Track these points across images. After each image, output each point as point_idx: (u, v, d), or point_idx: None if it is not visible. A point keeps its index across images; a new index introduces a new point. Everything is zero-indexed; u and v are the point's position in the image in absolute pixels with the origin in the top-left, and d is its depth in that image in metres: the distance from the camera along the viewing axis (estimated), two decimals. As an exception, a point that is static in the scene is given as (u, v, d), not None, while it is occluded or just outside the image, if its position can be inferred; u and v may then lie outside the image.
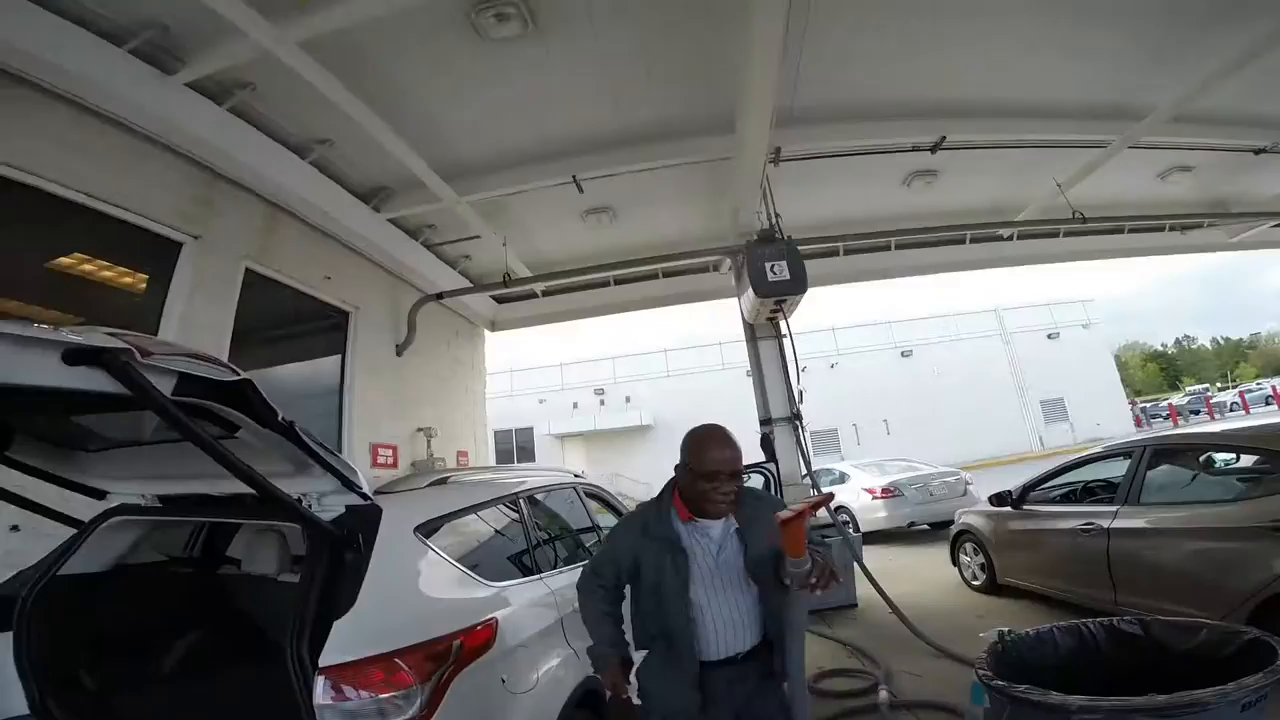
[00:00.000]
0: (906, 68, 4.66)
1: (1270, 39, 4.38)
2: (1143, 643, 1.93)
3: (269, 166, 4.66)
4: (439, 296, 6.98)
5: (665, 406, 25.59)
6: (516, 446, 25.52)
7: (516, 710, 1.95)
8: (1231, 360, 51.78)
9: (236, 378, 1.46)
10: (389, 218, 5.85)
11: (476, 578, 2.14)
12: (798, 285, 5.04)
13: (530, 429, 25.73)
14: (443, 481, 2.78)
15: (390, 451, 6.50)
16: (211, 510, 2.29)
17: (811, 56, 4.28)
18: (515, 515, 2.69)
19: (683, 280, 8.18)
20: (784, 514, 1.57)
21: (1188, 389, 38.42)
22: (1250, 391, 26.50)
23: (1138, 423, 25.77)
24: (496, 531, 2.58)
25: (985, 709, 1.75)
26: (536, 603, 2.34)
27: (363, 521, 1.93)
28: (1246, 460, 3.60)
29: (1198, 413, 25.38)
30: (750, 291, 5.14)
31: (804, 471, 5.69)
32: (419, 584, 1.94)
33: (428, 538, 2.07)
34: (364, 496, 1.95)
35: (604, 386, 27.07)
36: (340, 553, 1.83)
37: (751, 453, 4.02)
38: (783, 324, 5.76)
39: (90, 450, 2.22)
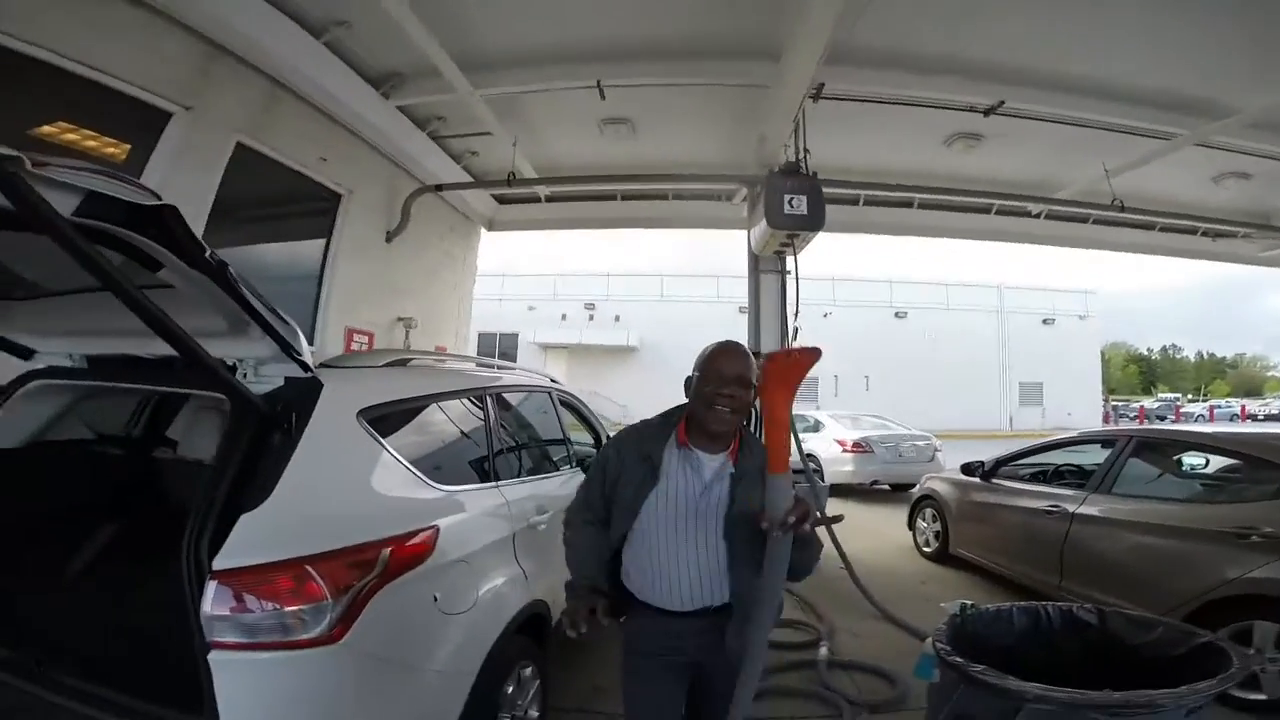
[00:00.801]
0: (977, 26, 4.25)
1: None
2: (1096, 633, 1.91)
3: (278, 43, 4.33)
4: (438, 188, 6.73)
5: (654, 331, 25.59)
6: (499, 351, 25.50)
7: (447, 632, 1.75)
8: (1210, 375, 52.87)
9: (157, 202, 1.21)
10: (398, 105, 5.49)
11: (423, 478, 1.89)
12: (814, 222, 4.83)
13: (515, 335, 25.66)
14: (402, 363, 2.40)
15: (366, 338, 6.42)
16: (138, 375, 2.00)
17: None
18: (479, 413, 2.42)
19: (692, 205, 7.86)
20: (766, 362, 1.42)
21: (1160, 395, 39.43)
22: (1219, 407, 27.30)
23: (1106, 418, 26.47)
24: (455, 428, 2.32)
25: (933, 683, 1.73)
26: (488, 513, 2.12)
27: (297, 397, 1.66)
28: (1218, 466, 3.64)
29: (1164, 419, 26.04)
30: (764, 222, 4.94)
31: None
32: (353, 479, 1.69)
33: (373, 426, 1.79)
34: (303, 366, 1.67)
35: (595, 302, 26.83)
36: (267, 433, 1.58)
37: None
38: (789, 260, 5.58)
39: (16, 299, 1.91)
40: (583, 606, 1.45)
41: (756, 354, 5.80)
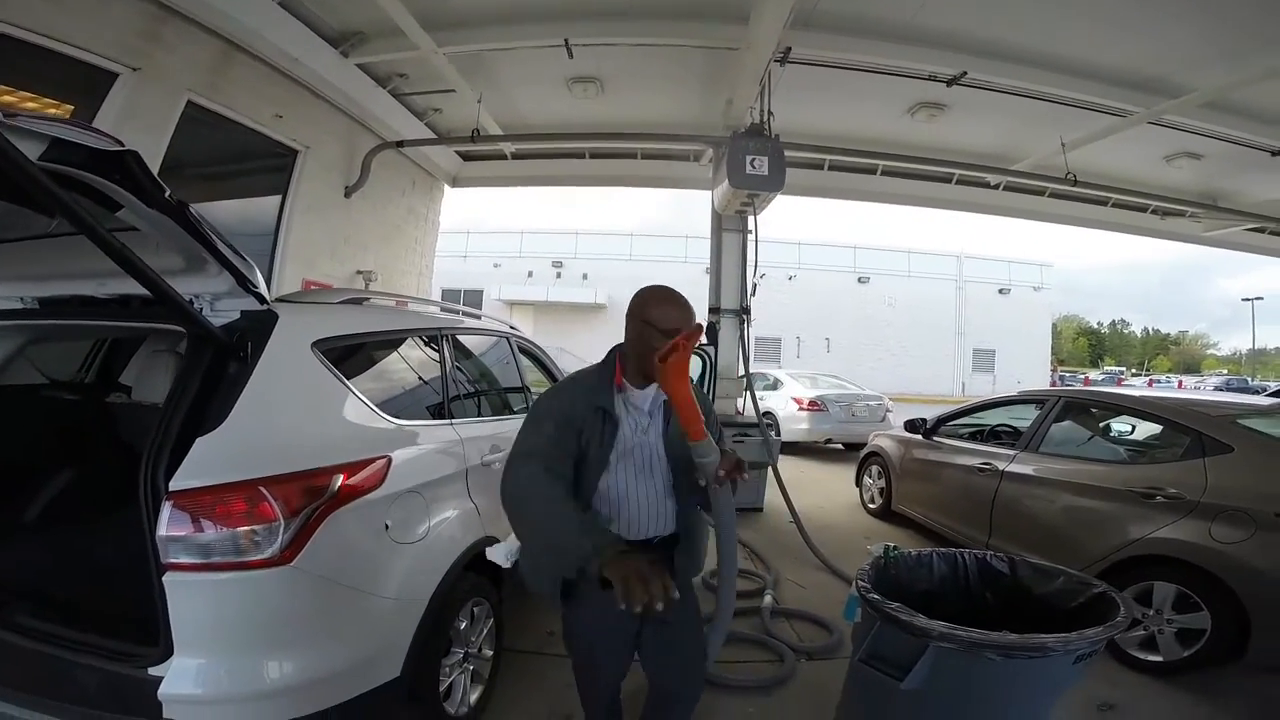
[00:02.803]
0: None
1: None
2: (1007, 580, 2.05)
3: (230, 4, 4.27)
4: (399, 144, 6.69)
5: (622, 289, 25.32)
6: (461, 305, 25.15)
7: (397, 561, 1.79)
8: (1154, 351, 55.52)
9: (120, 148, 1.27)
10: (358, 63, 5.42)
11: (377, 410, 1.92)
12: (774, 183, 4.90)
13: (480, 292, 25.22)
14: (359, 301, 2.40)
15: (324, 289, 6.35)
16: (92, 313, 2.00)
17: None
18: (435, 353, 2.46)
19: (661, 165, 7.84)
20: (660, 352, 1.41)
21: (1105, 368, 41.29)
22: (1158, 382, 28.75)
23: (1053, 387, 27.69)
24: (410, 366, 2.36)
25: (855, 623, 1.87)
26: (441, 449, 2.15)
27: (252, 328, 1.69)
28: (1143, 432, 3.72)
29: (1107, 389, 27.44)
30: (726, 181, 4.99)
31: (742, 369, 5.79)
32: (307, 407, 1.73)
33: (328, 357, 1.82)
34: (259, 299, 1.71)
35: (563, 260, 26.50)
36: (224, 362, 1.63)
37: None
38: (750, 220, 5.66)
39: None
40: (655, 575, 1.19)
41: (715, 309, 5.92)
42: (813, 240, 26.60)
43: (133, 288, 1.62)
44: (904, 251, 27.88)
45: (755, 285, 5.54)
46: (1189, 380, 30.86)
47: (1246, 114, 5.60)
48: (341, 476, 1.62)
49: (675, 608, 1.50)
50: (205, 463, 1.44)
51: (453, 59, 5.21)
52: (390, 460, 1.81)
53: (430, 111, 6.80)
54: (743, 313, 5.92)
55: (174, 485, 1.40)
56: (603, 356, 1.70)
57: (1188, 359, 52.99)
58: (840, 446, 9.50)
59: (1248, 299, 34.58)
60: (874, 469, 5.72)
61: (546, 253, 26.60)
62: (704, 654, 1.78)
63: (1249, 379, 30.39)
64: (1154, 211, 8.38)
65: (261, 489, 1.45)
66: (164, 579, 1.39)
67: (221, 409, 1.53)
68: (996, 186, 8.00)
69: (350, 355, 1.97)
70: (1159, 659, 2.76)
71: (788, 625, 3.22)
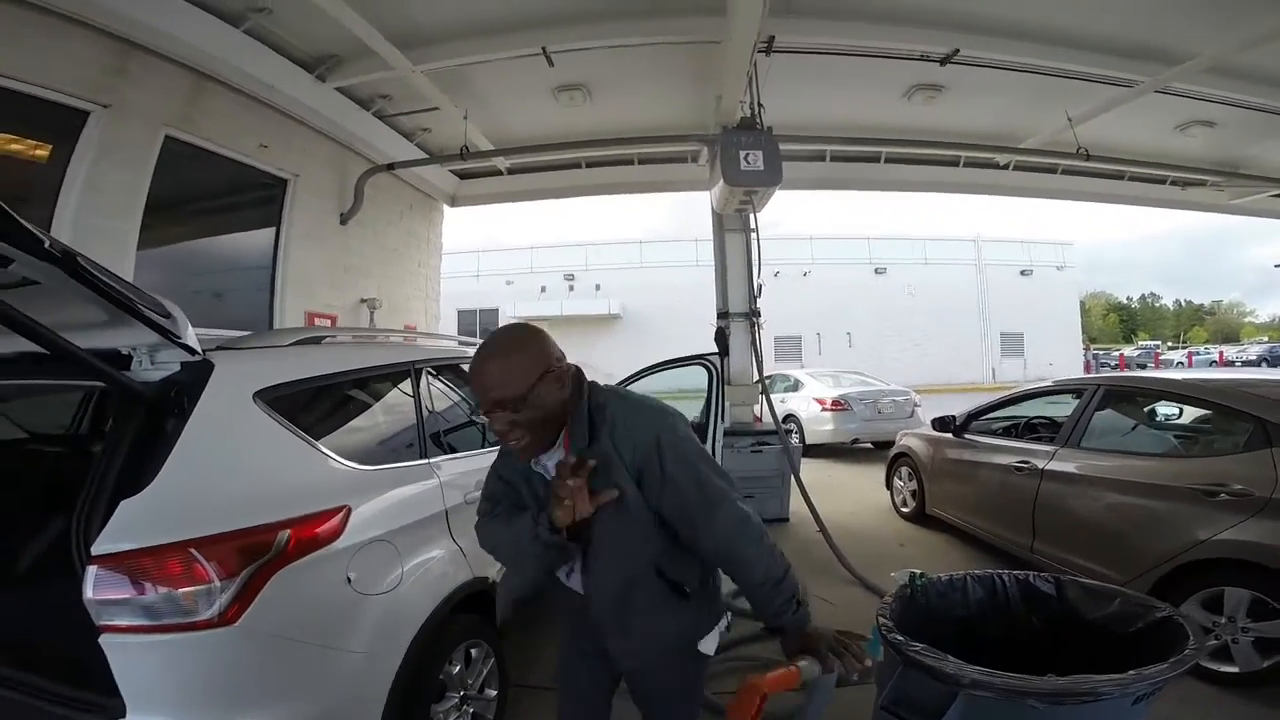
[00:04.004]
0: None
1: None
2: (1054, 604, 1.81)
3: (194, 35, 4.26)
4: (390, 167, 6.62)
5: (636, 298, 25.49)
6: (480, 327, 25.27)
7: (364, 613, 1.72)
8: (1189, 323, 53.80)
9: None
10: (337, 86, 5.37)
11: (335, 457, 1.85)
12: (771, 177, 4.76)
13: (495, 310, 25.42)
14: (315, 341, 2.28)
15: (329, 321, 6.35)
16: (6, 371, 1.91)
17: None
18: (405, 389, 2.37)
19: (659, 168, 7.71)
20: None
21: (1140, 343, 40.13)
22: (1197, 354, 27.80)
23: (1087, 367, 26.78)
24: (377, 406, 2.30)
25: (878, 660, 1.66)
26: (417, 490, 2.08)
27: (189, 381, 1.63)
28: (1198, 421, 3.41)
29: (1144, 366, 26.46)
30: (722, 180, 4.86)
31: (756, 375, 5.60)
32: (247, 462, 1.66)
33: (274, 406, 1.75)
34: (188, 350, 1.62)
35: (574, 273, 26.55)
36: (158, 418, 1.58)
37: (706, 345, 3.81)
38: (751, 218, 5.53)
39: None
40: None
41: (724, 314, 5.76)
42: (825, 235, 26.27)
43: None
44: (919, 239, 27.41)
45: (761, 285, 5.35)
46: (1230, 351, 29.63)
47: (1255, 78, 5.32)
48: (288, 532, 1.56)
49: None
50: (130, 525, 1.40)
51: (432, 76, 5.14)
52: (349, 510, 1.74)
53: (419, 131, 6.75)
54: (752, 315, 5.78)
55: (96, 549, 1.38)
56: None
57: (1225, 328, 51.08)
58: (869, 446, 9.21)
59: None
60: (904, 470, 5.49)
61: (558, 266, 26.66)
62: None
63: (1291, 346, 29.10)
64: (1174, 183, 8.11)
65: (192, 550, 1.41)
66: (100, 640, 1.38)
67: (151, 468, 1.48)
68: (1006, 166, 7.77)
69: (302, 401, 1.90)
70: (1235, 669, 2.53)
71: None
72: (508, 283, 26.37)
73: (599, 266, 26.46)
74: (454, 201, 8.60)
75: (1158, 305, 59.14)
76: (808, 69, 5.17)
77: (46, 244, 1.21)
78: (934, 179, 7.99)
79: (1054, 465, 3.55)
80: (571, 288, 26.48)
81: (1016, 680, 1.28)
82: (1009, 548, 3.83)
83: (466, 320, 23.72)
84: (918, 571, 1.88)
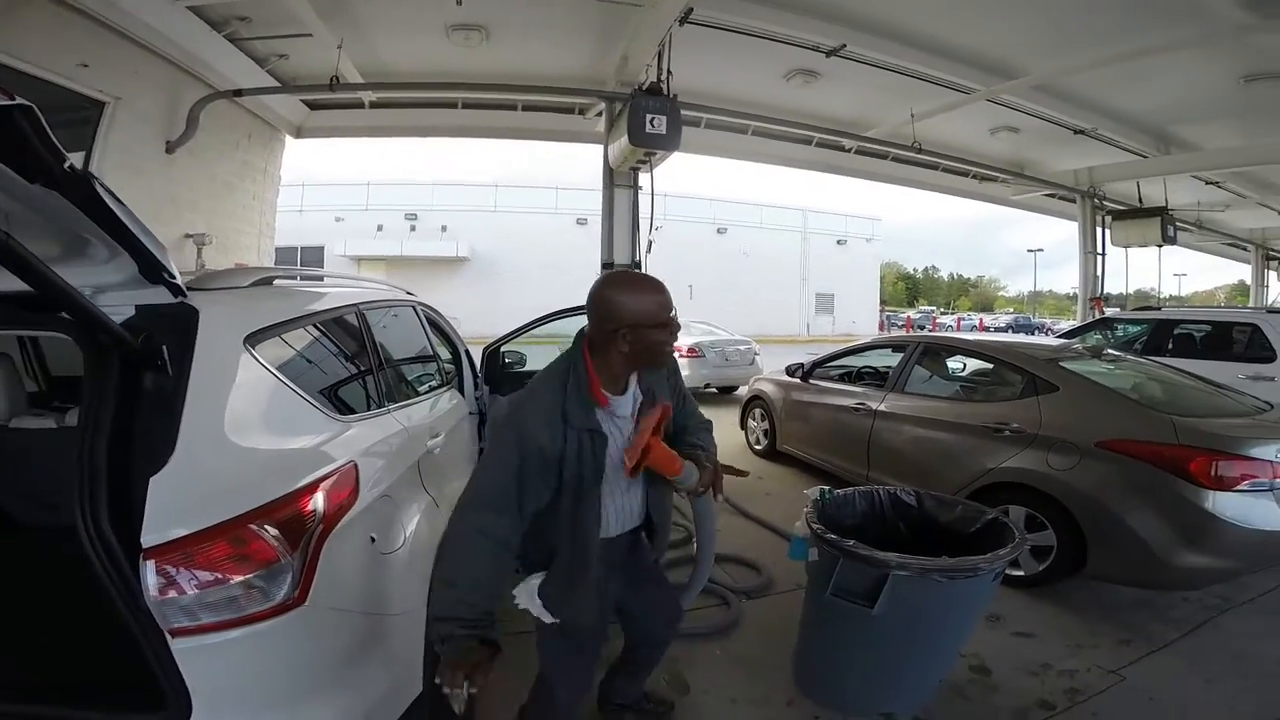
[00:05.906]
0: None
1: (1154, 49, 4.90)
2: (915, 512, 2.37)
3: None
4: (236, 94, 5.93)
5: (487, 242, 24.48)
6: (301, 264, 22.59)
7: (391, 576, 1.61)
8: (957, 293, 65.19)
9: (10, 101, 0.80)
10: (189, 5, 4.75)
11: (323, 409, 1.65)
12: (671, 142, 5.03)
13: (321, 248, 22.88)
14: (267, 282, 1.95)
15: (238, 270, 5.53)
16: None
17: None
18: (357, 334, 2.17)
19: (543, 117, 7.55)
20: (630, 453, 1.44)
21: (920, 307, 48.08)
22: (965, 319, 34.64)
23: (881, 326, 31.57)
24: (338, 354, 2.06)
25: (809, 561, 2.11)
26: (392, 442, 1.91)
27: (169, 328, 1.35)
28: (989, 374, 4.13)
29: (923, 328, 31.82)
30: (624, 139, 5.00)
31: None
32: (256, 417, 1.42)
33: (262, 354, 1.52)
34: (174, 289, 1.35)
35: (417, 212, 24.71)
36: (137, 374, 1.30)
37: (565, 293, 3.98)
38: (643, 176, 5.74)
39: None
40: (465, 661, 1.26)
41: (609, 265, 5.99)
42: (677, 193, 27.18)
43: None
44: (757, 205, 29.54)
45: (651, 242, 5.63)
46: (988, 319, 37.12)
47: (1064, 96, 6.55)
48: (323, 492, 1.39)
49: (651, 574, 1.82)
50: (175, 506, 1.17)
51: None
52: (356, 466, 1.57)
53: (274, 58, 6.05)
54: (634, 267, 6.02)
55: (147, 540, 1.14)
56: (556, 361, 1.53)
57: (983, 299, 63.16)
58: (715, 390, 9.90)
59: (1032, 250, 41.84)
60: (757, 412, 6.03)
61: (398, 205, 24.61)
62: (679, 605, 1.96)
63: (1030, 316, 37.30)
64: (974, 177, 9.66)
65: (253, 526, 1.22)
66: (173, 645, 1.17)
67: (165, 435, 1.23)
68: (850, 150, 8.72)
69: (281, 348, 1.68)
70: (1021, 573, 3.10)
71: (720, 569, 3.32)
72: (337, 219, 23.93)
73: (446, 208, 24.89)
74: (299, 133, 7.77)
75: (936, 277, 70.33)
76: (705, 41, 5.37)
77: (66, 163, 0.94)
78: (788, 154, 8.72)
79: (884, 406, 4.19)
80: (414, 228, 24.68)
81: (928, 561, 1.81)
82: (848, 476, 4.37)
83: (286, 257, 20.73)
84: (825, 488, 2.39)
